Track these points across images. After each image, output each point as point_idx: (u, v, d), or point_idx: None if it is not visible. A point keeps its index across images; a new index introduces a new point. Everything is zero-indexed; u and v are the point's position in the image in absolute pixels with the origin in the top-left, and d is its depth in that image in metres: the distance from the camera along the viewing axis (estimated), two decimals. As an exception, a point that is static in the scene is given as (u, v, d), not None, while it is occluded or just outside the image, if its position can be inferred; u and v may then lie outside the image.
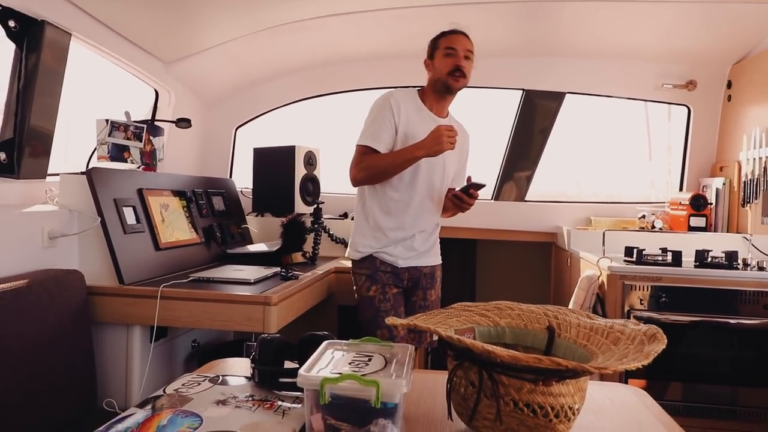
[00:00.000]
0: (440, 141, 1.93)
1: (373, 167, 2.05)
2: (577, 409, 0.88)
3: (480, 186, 2.05)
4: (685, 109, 3.41)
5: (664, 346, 0.86)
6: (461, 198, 2.05)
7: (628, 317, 2.43)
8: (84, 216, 2.01)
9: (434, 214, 2.23)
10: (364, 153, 2.08)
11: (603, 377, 2.00)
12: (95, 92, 2.90)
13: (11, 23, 1.95)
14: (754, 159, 2.87)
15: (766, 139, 2.81)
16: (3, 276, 1.69)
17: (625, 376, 2.38)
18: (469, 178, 2.10)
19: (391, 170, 2.05)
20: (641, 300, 2.45)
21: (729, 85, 3.24)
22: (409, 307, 2.23)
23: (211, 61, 3.03)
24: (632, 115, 3.70)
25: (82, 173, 2.04)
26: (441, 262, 2.34)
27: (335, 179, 3.35)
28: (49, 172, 2.21)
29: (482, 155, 3.74)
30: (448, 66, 2.07)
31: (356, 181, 2.10)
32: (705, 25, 2.87)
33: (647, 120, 3.74)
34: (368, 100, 2.27)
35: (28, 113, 2.03)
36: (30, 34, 2.01)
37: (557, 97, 3.43)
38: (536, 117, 3.47)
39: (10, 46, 2.01)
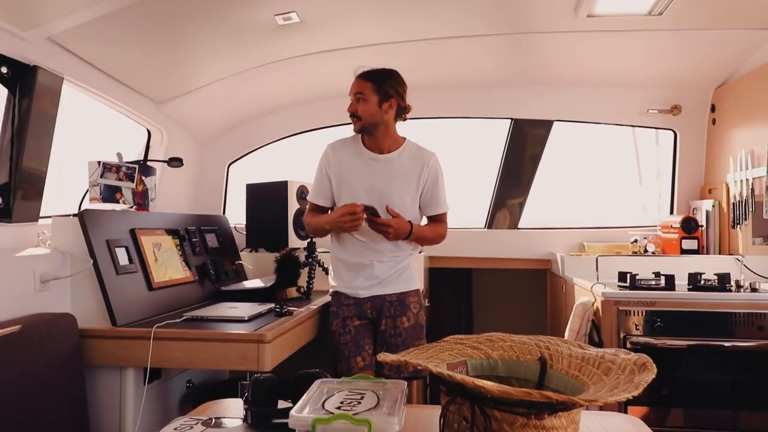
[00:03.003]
0: (338, 222, 2.13)
1: (309, 225, 2.34)
2: (571, 442, 0.88)
3: (369, 209, 2.09)
4: (672, 134, 3.46)
5: (654, 376, 0.86)
6: (371, 227, 2.13)
7: (624, 343, 2.42)
8: (76, 258, 2.01)
9: (392, 246, 2.23)
10: (310, 209, 2.35)
11: (601, 407, 1.98)
12: (88, 133, 2.92)
13: (3, 69, 1.98)
14: (742, 180, 2.91)
15: (752, 160, 2.85)
16: (-6, 321, 1.68)
17: (624, 405, 2.36)
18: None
19: (318, 233, 2.38)
20: (636, 325, 2.44)
21: (713, 108, 3.30)
22: (379, 337, 2.25)
23: (202, 99, 3.07)
24: (621, 141, 3.75)
25: (74, 215, 2.04)
26: (416, 288, 2.32)
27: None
28: (41, 214, 2.22)
29: (474, 184, 3.78)
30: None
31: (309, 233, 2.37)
32: (686, 51, 2.94)
33: (635, 145, 3.79)
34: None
35: (21, 157, 2.04)
36: (22, 79, 2.05)
37: (545, 125, 3.47)
38: (526, 145, 3.51)
39: (3, 92, 2.04)
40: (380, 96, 2.18)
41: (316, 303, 2.46)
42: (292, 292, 2.62)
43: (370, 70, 2.22)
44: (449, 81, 3.43)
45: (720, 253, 3.08)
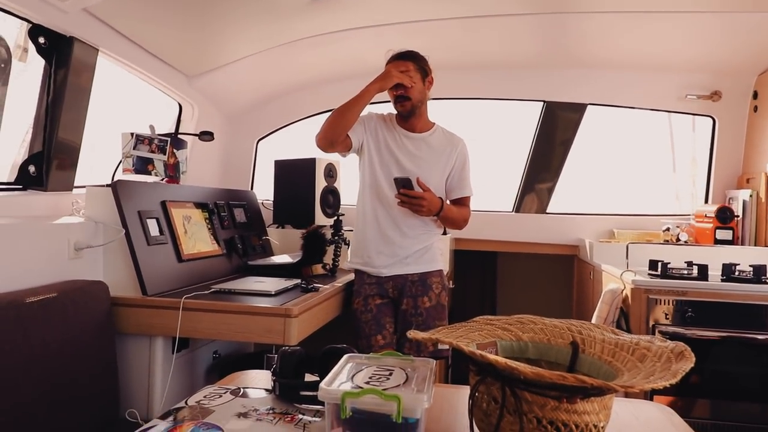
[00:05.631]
0: (389, 74, 2.14)
1: (330, 115, 2.16)
2: (602, 427, 0.86)
3: (403, 180, 2.10)
4: (710, 120, 3.36)
5: (693, 365, 0.84)
6: (402, 201, 2.12)
7: (653, 332, 2.39)
8: (109, 228, 2.04)
9: (418, 222, 2.25)
10: None
11: (628, 394, 1.96)
12: (121, 106, 2.95)
13: (41, 40, 2.00)
14: (782, 171, 2.81)
15: (794, 150, 2.76)
16: (30, 287, 1.72)
17: (650, 393, 2.33)
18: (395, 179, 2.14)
19: (348, 107, 2.13)
20: (666, 315, 2.40)
21: (755, 95, 3.19)
22: (400, 316, 2.27)
23: (233, 74, 3.07)
24: (656, 126, 3.66)
25: (107, 186, 2.07)
26: (439, 268, 2.33)
27: (355, 191, 3.37)
28: (75, 184, 2.26)
29: (503, 167, 3.73)
30: (391, 97, 2.24)
31: (319, 141, 2.17)
32: (729, 35, 2.83)
33: (671, 131, 3.70)
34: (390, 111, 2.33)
35: (56, 127, 2.07)
36: (59, 50, 2.07)
37: (578, 109, 3.40)
38: (557, 129, 3.45)
39: (40, 62, 2.06)
40: (422, 74, 2.22)
41: (342, 280, 2.47)
42: (318, 268, 2.63)
43: (405, 51, 2.24)
44: (481, 61, 3.37)
45: (756, 245, 3.00)
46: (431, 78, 2.26)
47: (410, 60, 2.21)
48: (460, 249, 3.55)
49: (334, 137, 2.15)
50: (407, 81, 2.16)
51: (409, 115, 2.24)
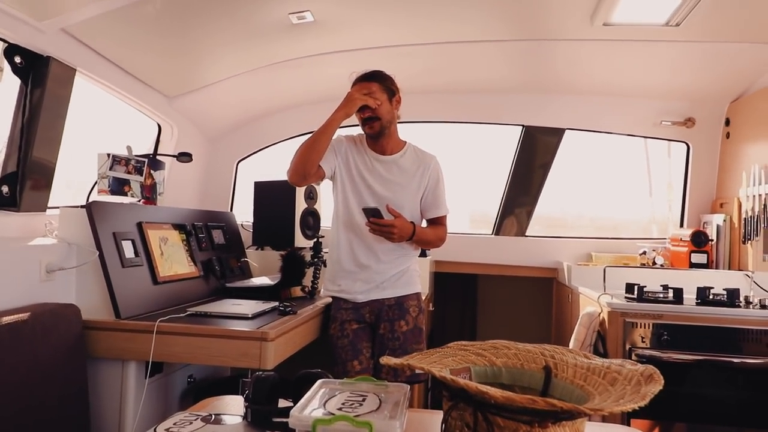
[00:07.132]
0: (352, 98, 2.12)
1: (299, 148, 2.12)
2: (575, 452, 0.86)
3: (372, 210, 2.08)
4: (685, 146, 3.43)
5: (661, 387, 0.84)
6: (373, 229, 2.10)
7: (630, 355, 2.40)
8: (82, 249, 2.01)
9: (393, 247, 2.22)
10: None
11: (605, 418, 1.96)
12: (99, 126, 2.93)
13: (17, 59, 1.98)
14: (754, 196, 2.88)
15: (765, 176, 2.82)
16: (-1, 310, 1.68)
17: (627, 417, 2.33)
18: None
19: (316, 139, 2.10)
20: (642, 338, 2.42)
21: (727, 122, 3.27)
22: (377, 341, 2.24)
23: (213, 96, 3.08)
24: (632, 151, 3.73)
25: (81, 207, 2.05)
26: (416, 291, 2.31)
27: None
28: (49, 204, 2.22)
29: (483, 190, 3.76)
30: (359, 120, 2.22)
31: (291, 176, 2.15)
32: (702, 64, 2.91)
33: (647, 156, 3.77)
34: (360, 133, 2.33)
35: (31, 147, 2.05)
36: (35, 69, 2.05)
37: (557, 133, 3.46)
38: (536, 152, 3.49)
39: (15, 82, 2.04)
40: (388, 94, 2.20)
41: (320, 303, 2.45)
42: (297, 291, 2.61)
43: (368, 72, 2.22)
44: (461, 85, 3.42)
45: (729, 269, 3.05)
46: (399, 97, 2.23)
47: (374, 81, 2.18)
48: (441, 272, 3.56)
49: (305, 171, 2.12)
50: (371, 102, 2.13)
51: (379, 135, 2.21)
